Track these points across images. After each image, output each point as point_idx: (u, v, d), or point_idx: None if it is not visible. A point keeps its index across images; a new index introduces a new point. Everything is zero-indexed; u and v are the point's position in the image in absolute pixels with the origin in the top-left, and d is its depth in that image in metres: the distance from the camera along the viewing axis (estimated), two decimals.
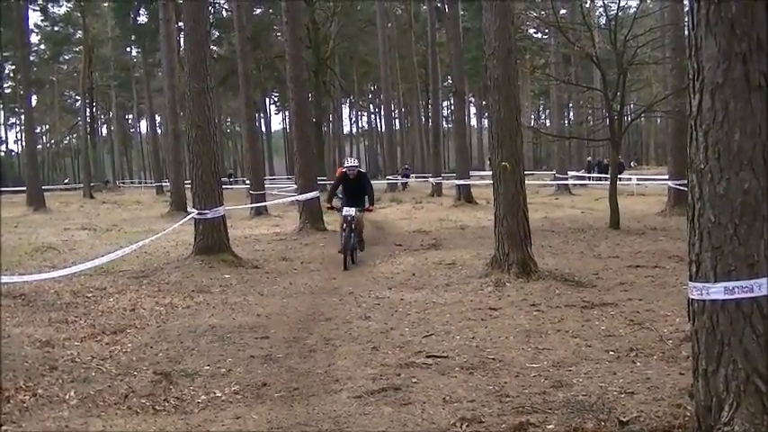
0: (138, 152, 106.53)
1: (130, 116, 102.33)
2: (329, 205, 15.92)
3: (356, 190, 15.52)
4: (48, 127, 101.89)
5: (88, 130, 60.91)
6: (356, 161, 16.44)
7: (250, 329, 9.27)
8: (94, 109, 74.58)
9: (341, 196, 16.07)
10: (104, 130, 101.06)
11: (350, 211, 14.96)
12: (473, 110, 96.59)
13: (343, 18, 43.20)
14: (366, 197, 15.64)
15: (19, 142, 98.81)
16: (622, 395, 6.16)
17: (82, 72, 58.50)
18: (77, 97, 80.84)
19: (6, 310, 10.11)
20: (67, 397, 6.53)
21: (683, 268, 9.62)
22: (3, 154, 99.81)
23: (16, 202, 43.62)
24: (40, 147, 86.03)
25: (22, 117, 54.26)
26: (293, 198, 25.14)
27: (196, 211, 15.03)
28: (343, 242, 14.85)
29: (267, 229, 22.80)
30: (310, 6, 36.12)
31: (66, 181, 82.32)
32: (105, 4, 69.27)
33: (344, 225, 14.94)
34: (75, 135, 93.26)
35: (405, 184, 51.88)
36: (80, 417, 6.07)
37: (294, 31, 23.81)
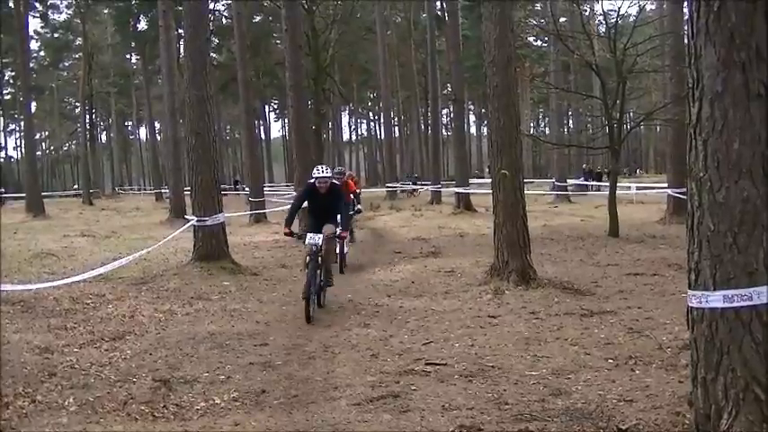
0: (138, 159, 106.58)
1: (130, 123, 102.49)
2: (287, 230, 11.28)
3: (326, 209, 11.48)
4: (47, 133, 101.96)
5: (88, 136, 60.87)
6: (328, 170, 11.77)
7: (249, 336, 9.27)
8: (94, 116, 74.51)
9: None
10: (104, 137, 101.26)
11: (315, 238, 10.87)
12: (472, 118, 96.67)
13: (342, 26, 43.20)
14: (339, 218, 11.79)
15: (18, 149, 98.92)
16: (621, 403, 6.16)
17: (82, 79, 58.52)
18: (77, 104, 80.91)
19: (6, 316, 10.10)
20: (66, 403, 6.52)
21: (682, 276, 9.62)
22: (2, 160, 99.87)
23: (16, 208, 43.64)
24: (39, 153, 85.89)
25: (22, 123, 54.42)
26: None
27: (195, 218, 15.03)
28: (306, 282, 10.50)
29: (266, 237, 22.78)
30: (310, 14, 36.08)
31: (75, 187, 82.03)
32: (105, 12, 69.45)
33: (308, 258, 10.86)
34: (74, 141, 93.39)
35: (413, 191, 51.86)
36: (79, 423, 6.07)
37: (294, 39, 23.84)
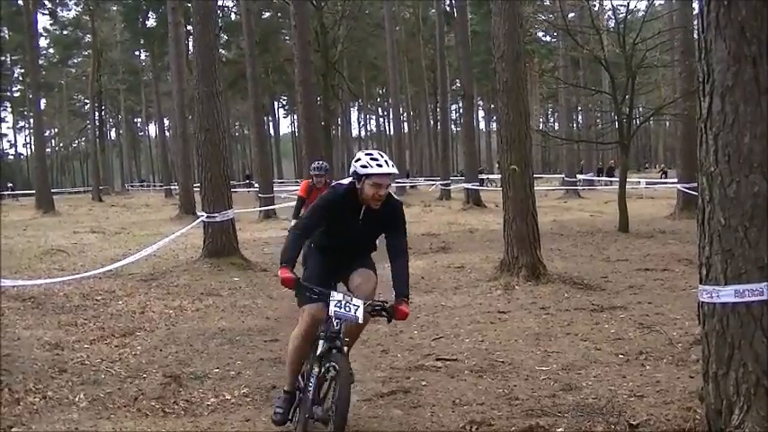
0: (147, 156, 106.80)
1: (139, 119, 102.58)
2: (288, 274, 5.37)
3: (363, 245, 5.91)
4: (57, 130, 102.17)
5: (97, 133, 61.14)
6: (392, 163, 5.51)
7: (259, 332, 9.28)
8: (103, 112, 74.84)
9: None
10: (113, 134, 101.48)
11: (343, 310, 5.22)
12: (481, 113, 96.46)
13: (351, 22, 43.16)
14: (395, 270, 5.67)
15: (28, 145, 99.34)
16: (632, 398, 6.15)
17: (91, 75, 58.71)
18: (86, 101, 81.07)
19: (16, 312, 10.15)
20: (77, 399, 6.54)
21: (692, 271, 9.62)
22: (12, 157, 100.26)
23: (25, 205, 43.76)
24: (49, 150, 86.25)
25: (32, 120, 54.52)
26: None
27: (205, 215, 15.05)
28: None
29: (276, 232, 22.76)
30: (318, 10, 36.08)
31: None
32: (114, 8, 69.52)
33: (320, 346, 5.26)
34: (83, 138, 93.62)
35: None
36: (90, 419, 6.08)
37: (302, 35, 23.85)
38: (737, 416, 4.70)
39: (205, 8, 15.87)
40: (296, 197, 12.39)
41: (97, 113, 63.37)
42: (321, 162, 11.93)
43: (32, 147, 66.07)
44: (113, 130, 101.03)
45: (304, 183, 11.36)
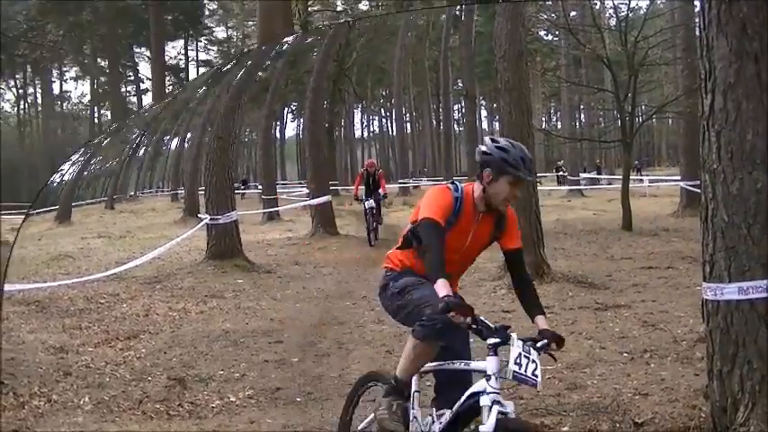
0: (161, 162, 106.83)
1: None
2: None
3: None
4: None
5: None
6: None
7: (263, 334, 9.27)
8: None
9: None
10: None
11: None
12: (484, 113, 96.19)
13: (372, 33, 43.18)
14: None
15: None
16: (637, 397, 6.14)
17: None
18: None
19: (20, 316, 10.15)
20: (82, 403, 6.54)
21: (696, 269, 9.60)
22: None
23: (45, 217, 43.78)
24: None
25: None
26: (305, 203, 25.09)
27: (208, 217, 15.05)
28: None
29: (279, 234, 22.74)
30: (351, 28, 36.08)
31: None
32: None
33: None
34: None
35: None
36: (95, 422, 6.09)
37: (327, 50, 24.10)
38: (743, 413, 4.70)
39: None
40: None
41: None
42: None
43: None
44: None
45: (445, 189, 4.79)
